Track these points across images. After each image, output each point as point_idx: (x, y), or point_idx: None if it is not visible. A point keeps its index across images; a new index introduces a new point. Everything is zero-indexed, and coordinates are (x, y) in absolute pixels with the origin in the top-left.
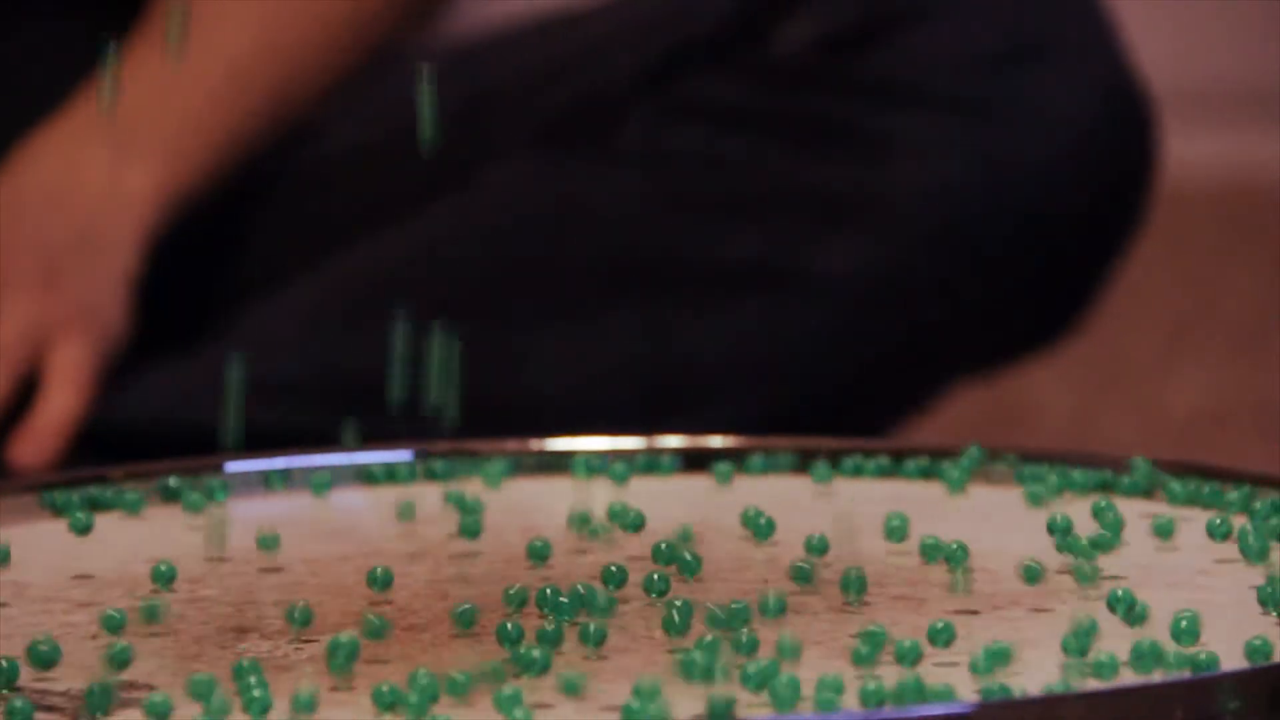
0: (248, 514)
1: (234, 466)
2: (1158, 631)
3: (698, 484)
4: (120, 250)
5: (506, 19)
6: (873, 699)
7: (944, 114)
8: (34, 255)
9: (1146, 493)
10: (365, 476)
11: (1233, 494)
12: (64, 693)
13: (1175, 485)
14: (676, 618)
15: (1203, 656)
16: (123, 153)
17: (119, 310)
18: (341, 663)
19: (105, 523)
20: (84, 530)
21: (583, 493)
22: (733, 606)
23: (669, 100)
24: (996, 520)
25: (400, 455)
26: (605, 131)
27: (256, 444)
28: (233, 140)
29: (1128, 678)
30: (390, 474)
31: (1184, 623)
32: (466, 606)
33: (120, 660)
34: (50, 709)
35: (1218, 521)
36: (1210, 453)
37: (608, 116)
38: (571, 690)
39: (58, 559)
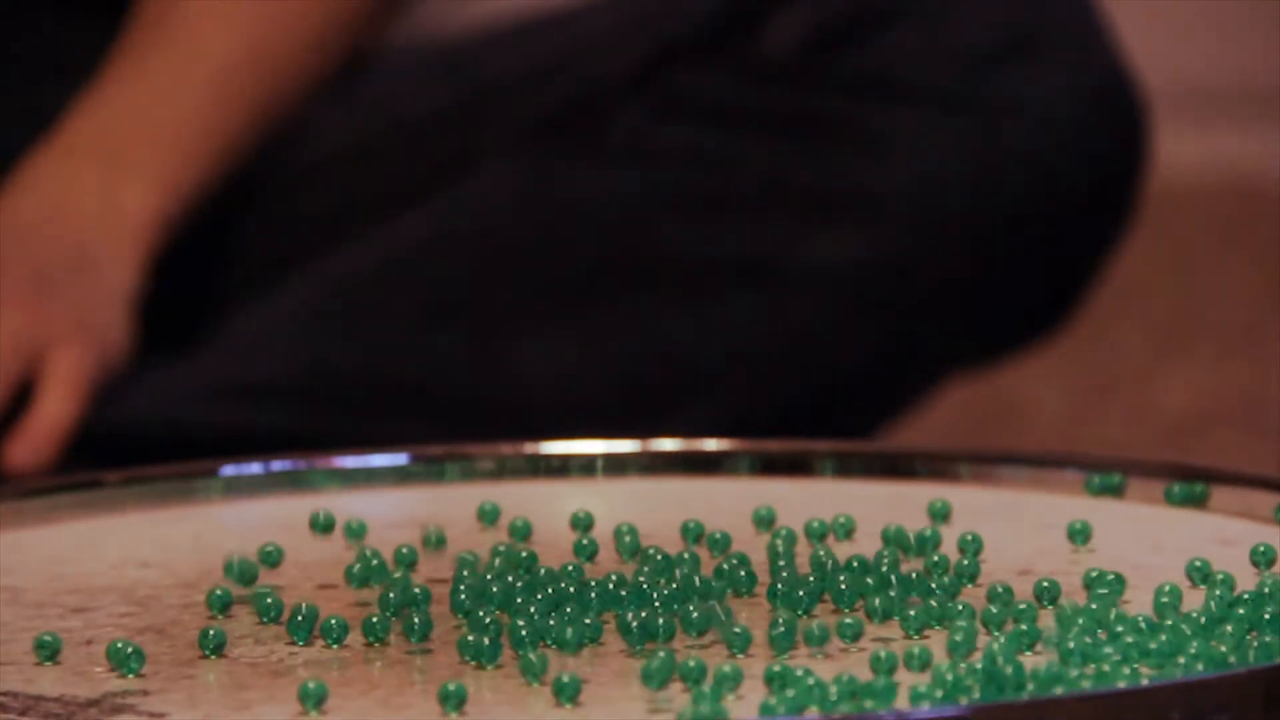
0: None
1: (229, 470)
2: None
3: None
4: (118, 268)
5: (496, 17)
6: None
7: (934, 109)
8: (28, 272)
9: None
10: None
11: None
12: (58, 698)
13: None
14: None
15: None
16: (117, 171)
17: (118, 327)
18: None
19: (96, 525)
20: None
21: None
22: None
23: (658, 97)
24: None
25: (396, 459)
26: (595, 129)
27: (248, 447)
28: (225, 149)
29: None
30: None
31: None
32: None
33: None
34: (46, 715)
35: None
36: (1201, 452)
37: (597, 114)
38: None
39: (49, 564)
